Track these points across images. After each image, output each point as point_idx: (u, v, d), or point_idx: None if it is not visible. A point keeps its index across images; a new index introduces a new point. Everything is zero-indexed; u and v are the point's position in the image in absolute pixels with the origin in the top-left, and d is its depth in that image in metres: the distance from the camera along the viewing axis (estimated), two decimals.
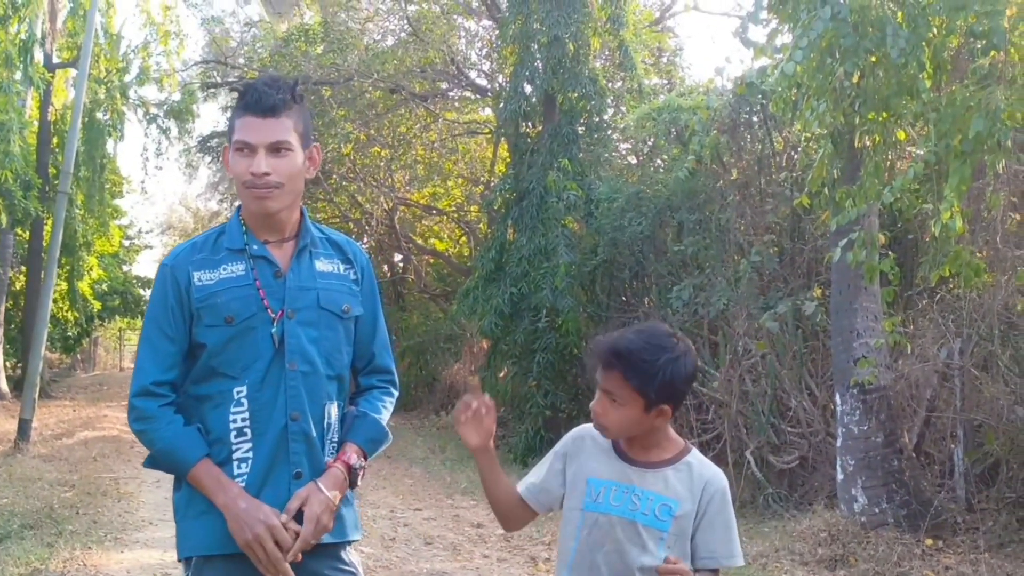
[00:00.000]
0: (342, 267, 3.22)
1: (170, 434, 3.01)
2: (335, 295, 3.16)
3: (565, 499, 3.00)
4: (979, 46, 7.12)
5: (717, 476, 2.96)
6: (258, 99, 3.02)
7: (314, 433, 3.06)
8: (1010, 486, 9.00)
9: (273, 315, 3.04)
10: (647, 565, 2.81)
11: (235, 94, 3.17)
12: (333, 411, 3.13)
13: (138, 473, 12.81)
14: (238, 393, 3.02)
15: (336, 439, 3.15)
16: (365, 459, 3.16)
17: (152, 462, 3.08)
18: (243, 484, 2.99)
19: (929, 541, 8.39)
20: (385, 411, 3.29)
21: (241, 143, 3.02)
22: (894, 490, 8.93)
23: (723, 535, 2.91)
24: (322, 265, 3.18)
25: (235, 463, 3.01)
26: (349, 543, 3.18)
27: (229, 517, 2.93)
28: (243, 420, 3.02)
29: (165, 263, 3.14)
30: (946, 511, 8.89)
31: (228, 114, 25.28)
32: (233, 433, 3.01)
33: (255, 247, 3.10)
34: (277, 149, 3.01)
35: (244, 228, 3.13)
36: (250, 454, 3.02)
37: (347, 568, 3.14)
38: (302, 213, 3.22)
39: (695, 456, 2.98)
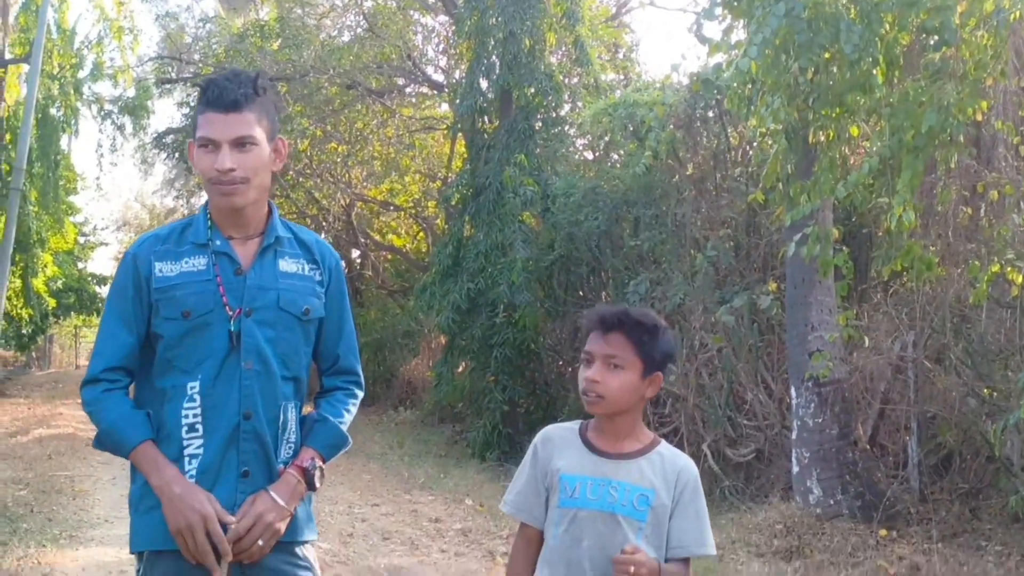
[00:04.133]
0: (307, 268, 3.18)
1: (115, 415, 3.00)
2: (296, 296, 3.12)
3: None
4: (931, 42, 7.17)
5: (689, 465, 2.99)
6: (219, 95, 2.98)
7: (267, 433, 3.03)
8: (963, 477, 9.11)
9: (231, 312, 3.00)
10: None
11: (191, 90, 3.11)
12: (290, 412, 3.10)
13: (93, 471, 12.73)
14: (191, 388, 2.99)
15: (293, 440, 3.11)
16: (323, 463, 3.12)
17: (98, 442, 3.07)
18: (193, 480, 2.96)
19: (883, 532, 8.47)
20: (347, 414, 3.25)
21: (205, 139, 2.99)
22: (848, 482, 9.02)
23: (694, 524, 2.93)
24: (286, 265, 3.13)
25: (186, 459, 2.98)
26: (304, 542, 3.14)
27: (163, 501, 2.91)
28: (195, 416, 2.99)
29: (129, 251, 3.12)
30: (900, 502, 8.98)
31: (183, 111, 25.21)
32: (184, 428, 2.98)
33: (218, 242, 3.06)
34: (241, 144, 2.98)
35: (209, 223, 3.10)
36: (200, 450, 2.99)
37: (302, 563, 3.11)
38: (271, 209, 3.18)
39: (665, 447, 3.01)
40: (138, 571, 3.07)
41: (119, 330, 3.06)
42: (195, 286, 3.02)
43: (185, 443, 2.99)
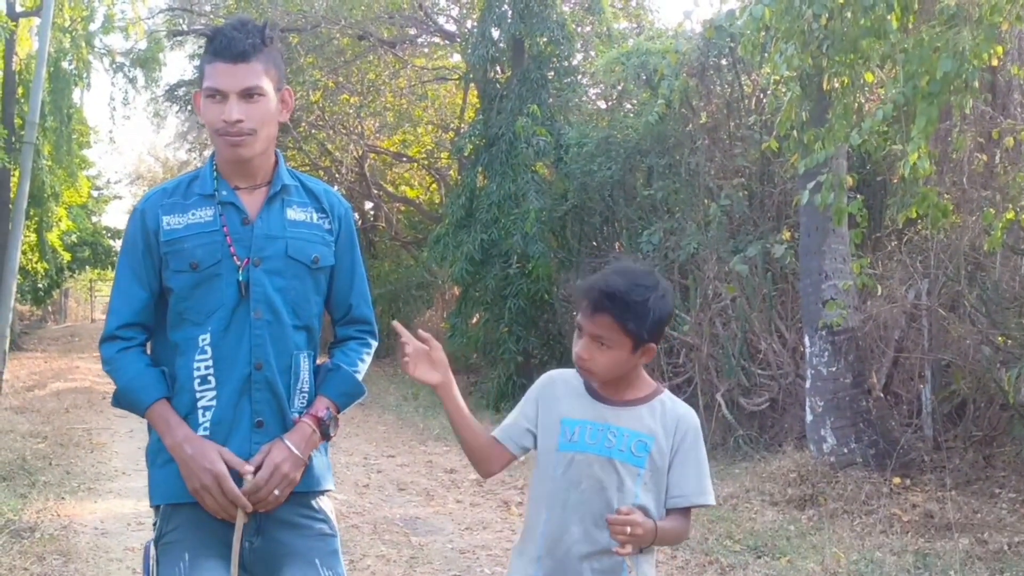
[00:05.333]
0: (316, 216, 3.15)
1: (131, 374, 3.01)
2: (305, 245, 3.09)
3: (539, 441, 2.99)
4: None
5: (689, 414, 2.98)
6: (228, 44, 2.95)
7: (279, 383, 3.02)
8: (976, 424, 9.12)
9: (239, 262, 2.99)
10: (625, 502, 2.83)
11: (202, 41, 3.06)
12: (302, 361, 3.08)
13: (111, 424, 12.82)
14: (202, 340, 2.98)
15: (307, 389, 3.09)
16: (338, 412, 3.11)
17: (116, 400, 3.07)
18: (207, 433, 2.96)
19: (897, 480, 8.49)
20: (361, 363, 3.23)
21: (212, 90, 2.96)
22: (862, 430, 9.02)
23: (694, 473, 2.92)
24: (294, 214, 3.10)
25: (200, 411, 2.98)
26: (321, 492, 3.14)
27: (177, 461, 2.92)
28: (207, 368, 2.98)
29: (138, 207, 3.11)
30: (913, 450, 9.00)
31: (195, 62, 25.13)
32: (197, 380, 2.98)
33: (224, 193, 3.04)
34: (249, 95, 2.95)
35: (216, 174, 3.08)
36: (213, 402, 2.98)
37: (317, 515, 3.10)
38: (277, 159, 3.16)
39: (667, 395, 3.00)
40: (154, 524, 3.09)
41: (132, 286, 3.06)
42: (202, 237, 3.00)
43: (198, 395, 2.98)
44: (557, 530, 2.90)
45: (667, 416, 2.93)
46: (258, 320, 3.00)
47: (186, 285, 3.00)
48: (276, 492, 2.93)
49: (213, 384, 2.99)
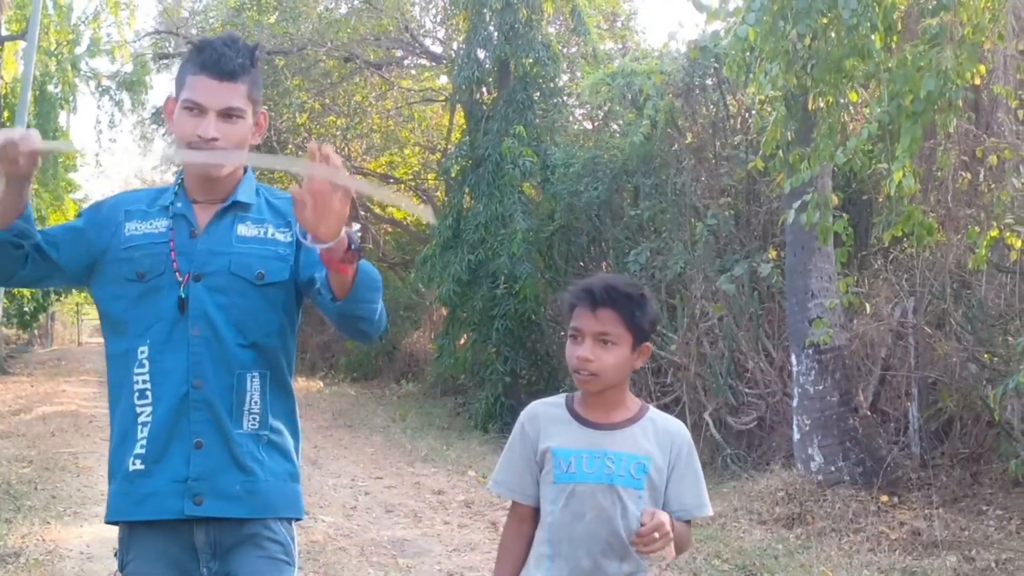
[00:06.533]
0: (273, 231, 3.03)
1: None
2: (251, 261, 2.97)
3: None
4: (929, 6, 7.16)
5: (681, 429, 2.97)
6: (217, 60, 2.89)
7: (219, 403, 2.91)
8: (963, 442, 9.13)
9: (180, 277, 2.92)
10: (632, 529, 2.79)
11: None
12: (249, 381, 2.96)
13: (97, 447, 12.74)
14: (140, 353, 2.91)
15: (258, 411, 2.97)
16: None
17: None
18: (143, 450, 2.89)
19: (884, 498, 8.49)
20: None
21: (192, 103, 2.89)
22: (850, 448, 9.04)
23: (692, 486, 2.92)
24: (245, 230, 3.01)
25: (139, 426, 2.91)
26: (286, 519, 3.03)
27: None
28: (144, 382, 2.91)
29: (106, 200, 3.11)
30: (901, 468, 9.01)
31: None
32: (136, 394, 2.90)
33: (179, 205, 3.00)
34: (229, 115, 2.89)
35: (177, 187, 3.05)
36: (150, 418, 2.90)
37: (274, 536, 2.99)
38: (246, 174, 3.09)
39: (655, 412, 2.98)
40: (115, 552, 3.05)
41: (62, 229, 3.01)
42: (152, 248, 2.95)
43: (138, 409, 2.90)
44: (565, 564, 2.86)
45: (659, 433, 2.91)
46: (196, 338, 2.91)
47: (133, 295, 2.94)
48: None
49: (150, 399, 2.90)
